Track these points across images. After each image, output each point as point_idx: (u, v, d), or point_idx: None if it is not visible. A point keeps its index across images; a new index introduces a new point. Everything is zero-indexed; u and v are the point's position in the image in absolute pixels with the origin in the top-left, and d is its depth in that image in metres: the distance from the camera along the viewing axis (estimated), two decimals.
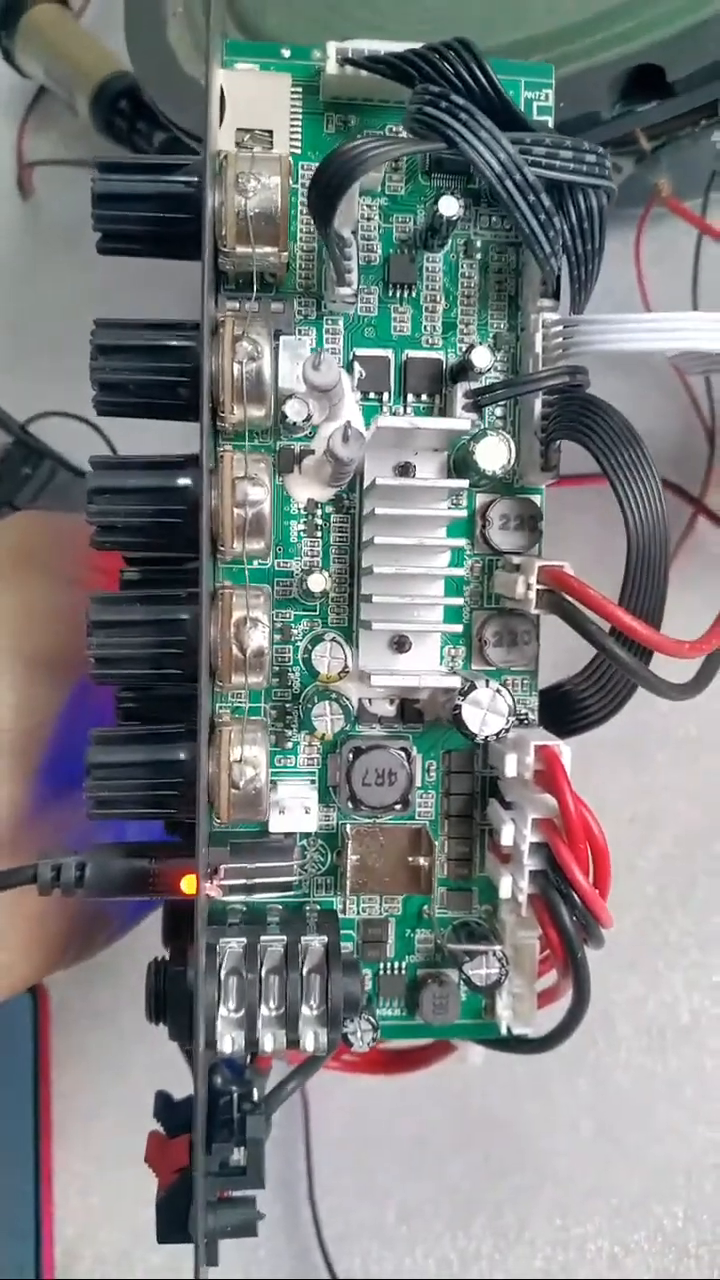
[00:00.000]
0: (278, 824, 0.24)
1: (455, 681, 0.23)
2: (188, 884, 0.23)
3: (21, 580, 0.29)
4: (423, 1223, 0.38)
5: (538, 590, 0.24)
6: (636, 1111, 0.38)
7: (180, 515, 0.22)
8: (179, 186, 0.22)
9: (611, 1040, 0.38)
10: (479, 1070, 0.34)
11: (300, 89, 0.25)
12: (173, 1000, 0.23)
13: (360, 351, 0.25)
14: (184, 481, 0.21)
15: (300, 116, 0.25)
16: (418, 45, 0.23)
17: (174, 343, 0.22)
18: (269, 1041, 0.23)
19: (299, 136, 0.25)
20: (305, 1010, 0.23)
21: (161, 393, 0.22)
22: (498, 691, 0.24)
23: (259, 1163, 0.24)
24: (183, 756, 0.22)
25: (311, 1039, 0.23)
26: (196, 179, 0.22)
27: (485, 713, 0.24)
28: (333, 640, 0.24)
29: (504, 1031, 0.26)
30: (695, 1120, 0.38)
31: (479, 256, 0.26)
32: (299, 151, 0.25)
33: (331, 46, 0.24)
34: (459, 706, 0.24)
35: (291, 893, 0.25)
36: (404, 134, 0.25)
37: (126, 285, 0.38)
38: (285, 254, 0.23)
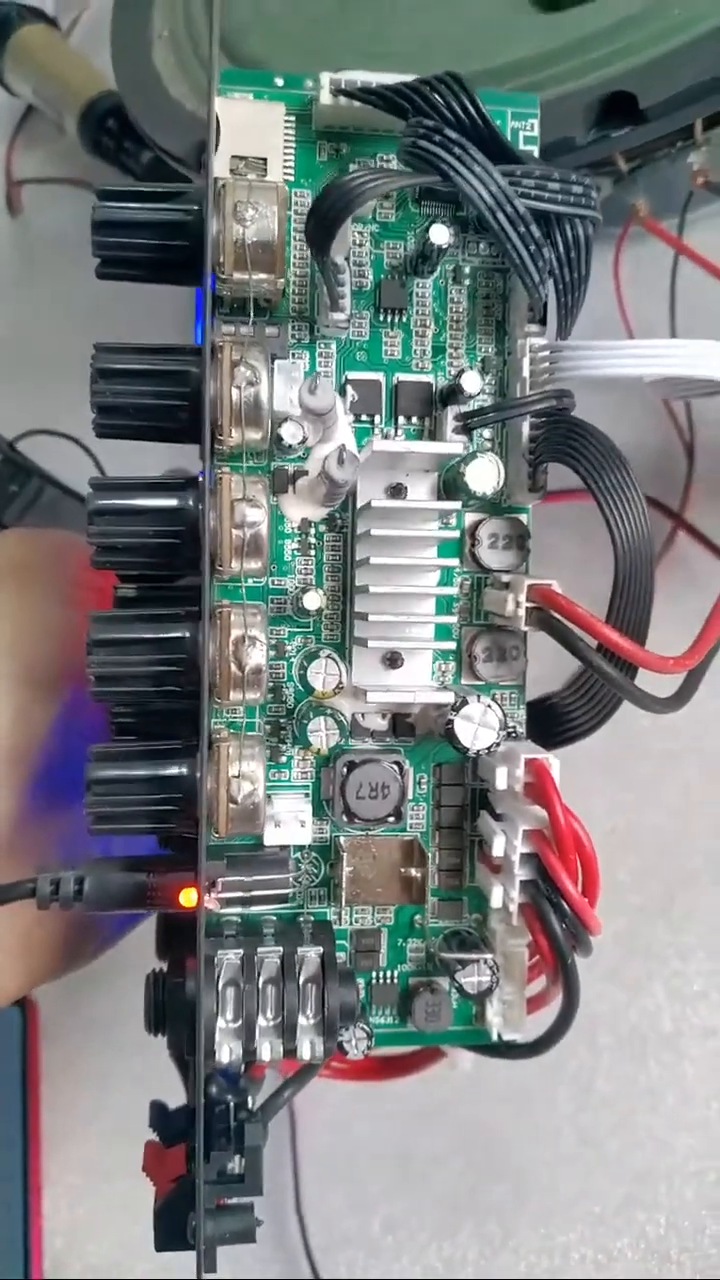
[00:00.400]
0: (273, 837, 0.25)
1: (448, 697, 0.24)
2: (186, 897, 0.23)
3: (13, 596, 0.30)
4: (408, 1233, 0.38)
5: (526, 608, 0.24)
6: (618, 1119, 0.39)
7: (180, 536, 0.22)
8: (178, 214, 0.22)
9: (593, 1049, 0.39)
10: (463, 1081, 0.35)
11: (293, 117, 0.26)
12: (172, 1012, 0.23)
13: (352, 375, 0.26)
14: (186, 503, 0.22)
15: (293, 144, 0.26)
16: (409, 78, 0.24)
17: (174, 367, 0.22)
18: (266, 1051, 0.23)
19: (292, 164, 0.26)
20: (302, 1020, 0.24)
21: (160, 416, 0.23)
22: (488, 706, 0.24)
23: (257, 1170, 0.24)
24: (183, 772, 0.22)
25: (308, 1048, 0.23)
26: (196, 207, 0.22)
27: (477, 727, 0.24)
28: (328, 657, 0.24)
29: (495, 1038, 0.27)
30: (676, 1127, 0.38)
31: (467, 282, 0.26)
32: (292, 179, 0.26)
33: (325, 77, 0.25)
34: (451, 721, 0.24)
35: (286, 904, 0.26)
36: (395, 163, 0.26)
37: (114, 304, 0.38)
38: (281, 280, 0.23)
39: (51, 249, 0.47)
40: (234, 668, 0.22)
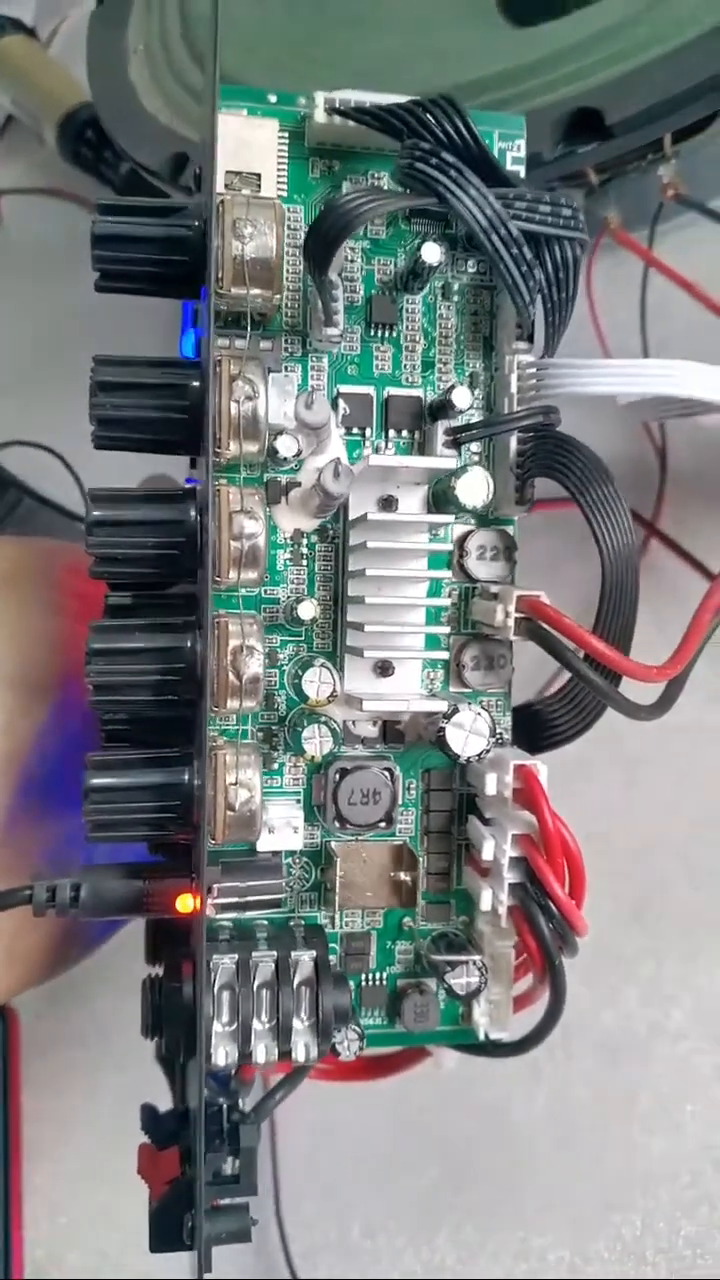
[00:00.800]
0: (266, 843, 0.25)
1: (442, 705, 0.25)
2: (183, 903, 0.24)
3: (3, 605, 0.30)
4: (387, 1237, 0.38)
5: (516, 618, 0.25)
6: (593, 1123, 0.39)
7: (179, 547, 0.23)
8: (179, 229, 0.23)
9: (569, 1053, 0.39)
10: (441, 1085, 0.35)
11: (287, 134, 0.26)
12: (169, 1015, 0.24)
13: (344, 389, 0.26)
14: (185, 515, 0.22)
15: (286, 160, 0.26)
16: (403, 99, 0.24)
17: (173, 380, 0.23)
18: (261, 1053, 0.24)
19: (285, 180, 0.26)
20: (297, 1023, 0.24)
21: (160, 429, 0.23)
22: (478, 714, 0.25)
23: (252, 1170, 0.24)
24: (182, 779, 0.23)
25: (303, 1050, 0.24)
26: (196, 223, 0.23)
27: (468, 734, 0.25)
28: (322, 665, 0.25)
29: (481, 1037, 0.27)
30: (650, 1130, 0.39)
31: (456, 299, 0.27)
32: (285, 194, 0.26)
33: (320, 96, 0.25)
34: (443, 729, 0.25)
35: (279, 909, 0.26)
36: (386, 181, 0.26)
37: (92, 315, 0.38)
38: (278, 296, 0.24)
39: (30, 259, 0.47)
40: (232, 677, 0.23)
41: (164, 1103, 0.28)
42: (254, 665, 0.23)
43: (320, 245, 0.22)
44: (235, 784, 0.23)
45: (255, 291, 0.23)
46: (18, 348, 0.45)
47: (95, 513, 0.22)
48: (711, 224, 0.42)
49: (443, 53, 0.46)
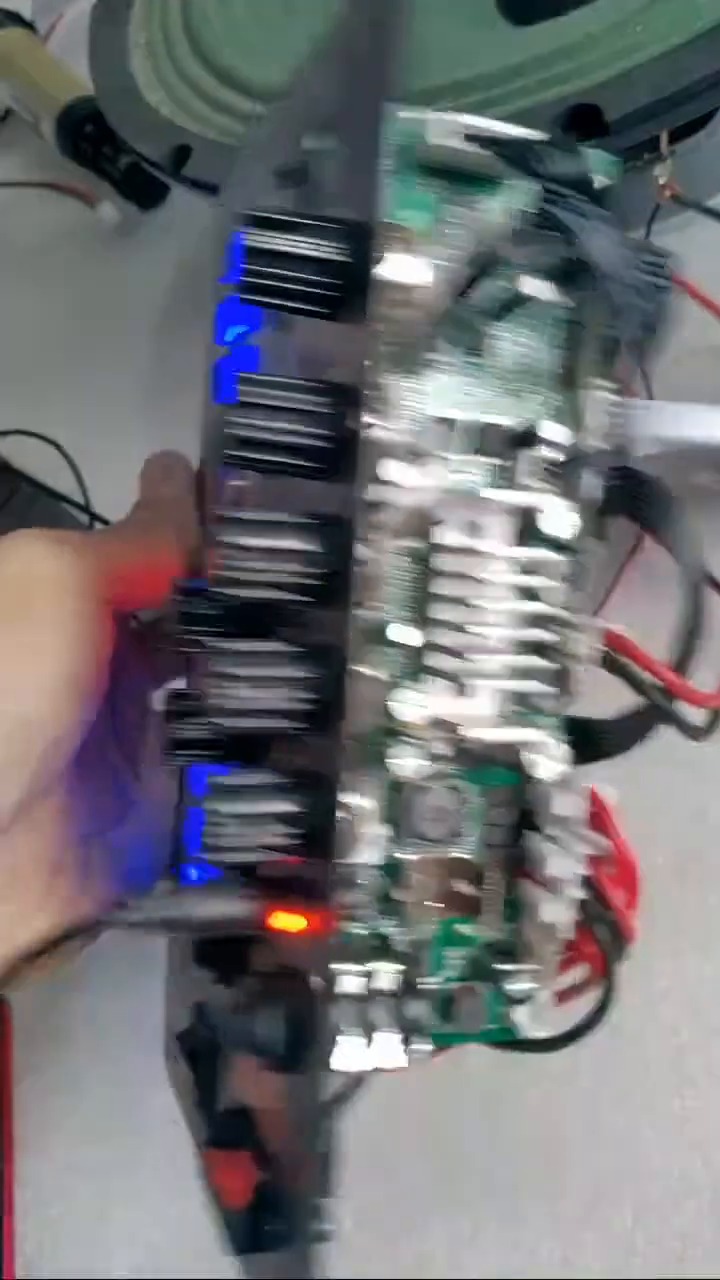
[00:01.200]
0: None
1: (531, 734, 0.26)
2: (291, 922, 0.24)
3: (48, 608, 0.29)
4: (378, 1230, 0.39)
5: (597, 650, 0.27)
6: (585, 1117, 0.40)
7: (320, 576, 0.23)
8: (332, 251, 0.22)
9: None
10: (431, 1082, 0.36)
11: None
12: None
13: (440, 414, 0.26)
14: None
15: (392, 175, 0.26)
16: (528, 133, 0.25)
17: (320, 409, 0.22)
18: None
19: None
20: (386, 1031, 0.25)
21: (301, 454, 0.23)
22: (559, 741, 0.26)
23: (329, 1171, 0.25)
24: (313, 809, 0.23)
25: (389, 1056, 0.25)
26: (350, 245, 0.22)
27: (546, 760, 0.26)
28: (413, 688, 0.25)
29: (523, 1035, 0.29)
30: (641, 1124, 0.40)
31: (547, 332, 0.27)
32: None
33: (436, 116, 0.25)
34: (525, 753, 0.26)
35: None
36: (483, 204, 0.27)
37: (88, 310, 0.37)
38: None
39: (26, 253, 0.45)
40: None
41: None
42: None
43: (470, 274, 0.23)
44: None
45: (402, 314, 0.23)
46: (14, 340, 0.43)
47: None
48: (708, 224, 0.43)
49: (441, 50, 0.46)
